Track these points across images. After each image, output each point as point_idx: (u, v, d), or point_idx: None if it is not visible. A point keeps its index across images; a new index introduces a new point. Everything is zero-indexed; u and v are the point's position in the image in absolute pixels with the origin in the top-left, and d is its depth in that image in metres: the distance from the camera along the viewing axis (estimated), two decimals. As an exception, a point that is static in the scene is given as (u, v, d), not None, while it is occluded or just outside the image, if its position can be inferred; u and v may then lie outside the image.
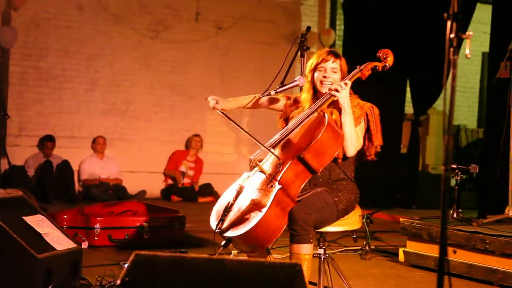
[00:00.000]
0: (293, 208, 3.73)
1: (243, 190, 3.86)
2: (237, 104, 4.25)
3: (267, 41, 11.47)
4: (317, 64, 4.06)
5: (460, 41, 2.41)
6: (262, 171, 3.87)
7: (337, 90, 3.90)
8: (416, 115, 10.32)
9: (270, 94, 4.10)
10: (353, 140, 3.89)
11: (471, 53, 2.48)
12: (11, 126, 9.85)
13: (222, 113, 4.02)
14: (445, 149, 2.15)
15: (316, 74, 4.06)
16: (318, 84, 4.05)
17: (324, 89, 4.01)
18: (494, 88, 7.46)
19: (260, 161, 3.96)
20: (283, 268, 2.44)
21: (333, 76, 4.03)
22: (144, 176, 10.69)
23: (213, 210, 3.98)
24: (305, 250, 3.74)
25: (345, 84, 3.92)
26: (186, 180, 10.80)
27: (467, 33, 2.37)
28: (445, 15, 2.29)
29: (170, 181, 10.83)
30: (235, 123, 3.99)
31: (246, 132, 4.02)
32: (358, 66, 4.11)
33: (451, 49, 2.28)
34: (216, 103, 4.06)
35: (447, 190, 2.28)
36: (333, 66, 4.04)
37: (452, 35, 2.28)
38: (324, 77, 4.03)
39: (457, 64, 2.26)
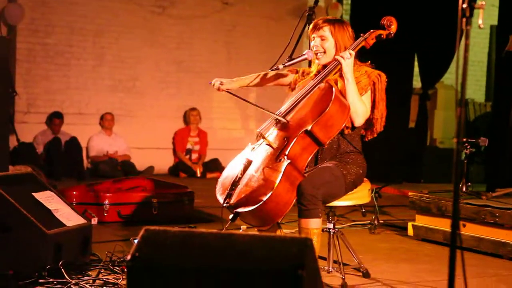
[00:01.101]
0: (301, 182, 3.70)
1: (251, 164, 3.83)
2: (242, 83, 4.24)
3: (273, 16, 11.39)
4: (310, 35, 4.08)
5: (471, 11, 2.37)
6: (269, 144, 3.84)
7: (342, 58, 3.87)
8: (424, 89, 10.26)
9: (279, 69, 4.06)
10: (358, 109, 3.85)
11: (482, 24, 2.43)
12: (19, 103, 9.85)
13: (229, 92, 4.03)
14: (457, 121, 2.12)
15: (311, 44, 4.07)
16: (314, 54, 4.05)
17: (321, 61, 4.01)
18: (503, 61, 7.39)
19: (266, 132, 3.93)
20: (294, 242, 2.42)
21: (323, 44, 3.99)
22: (152, 152, 10.69)
23: (218, 182, 3.95)
24: (314, 225, 3.72)
25: (350, 54, 3.89)
26: (194, 156, 10.80)
27: (479, 2, 2.33)
28: (458, -16, 2.25)
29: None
30: (242, 98, 4.01)
31: (255, 105, 4.01)
32: (362, 34, 4.07)
33: (464, 19, 2.24)
34: (221, 84, 4.09)
35: (459, 162, 2.25)
36: (320, 34, 4.01)
37: (464, 5, 2.24)
38: (316, 45, 4.01)
39: (469, 35, 2.22)
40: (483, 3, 2.32)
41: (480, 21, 2.35)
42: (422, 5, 9.56)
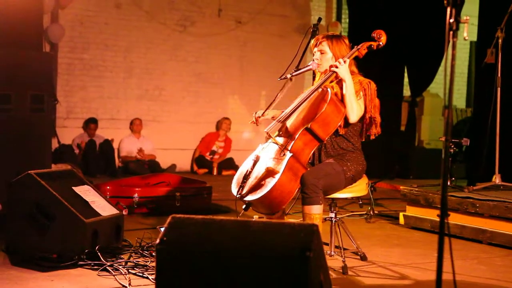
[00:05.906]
0: (304, 174, 3.74)
1: (259, 160, 3.87)
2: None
3: (281, 33, 11.38)
4: (312, 49, 4.17)
5: (457, 25, 2.35)
6: (275, 142, 3.88)
7: (336, 67, 3.91)
8: (413, 97, 10.23)
9: (287, 78, 4.08)
10: (353, 107, 3.86)
11: (468, 36, 2.42)
12: (60, 110, 9.88)
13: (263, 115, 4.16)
14: (445, 121, 2.10)
15: None
16: None
17: (320, 68, 4.08)
18: (482, 72, 7.35)
19: (273, 133, 3.97)
20: (302, 228, 2.42)
21: (322, 56, 4.06)
22: (174, 152, 10.69)
23: (234, 178, 3.99)
24: (316, 210, 3.74)
25: (344, 61, 3.92)
26: (216, 157, 10.81)
27: (464, 17, 2.32)
28: (445, 1, 2.23)
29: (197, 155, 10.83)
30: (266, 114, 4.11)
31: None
32: (355, 46, 4.11)
33: (451, 32, 2.22)
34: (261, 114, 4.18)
35: (447, 158, 2.24)
36: (319, 49, 4.08)
37: (451, 20, 2.23)
38: (316, 58, 4.08)
39: (456, 46, 2.21)
40: (468, 18, 2.31)
41: (465, 34, 2.34)
42: (412, 24, 9.53)
